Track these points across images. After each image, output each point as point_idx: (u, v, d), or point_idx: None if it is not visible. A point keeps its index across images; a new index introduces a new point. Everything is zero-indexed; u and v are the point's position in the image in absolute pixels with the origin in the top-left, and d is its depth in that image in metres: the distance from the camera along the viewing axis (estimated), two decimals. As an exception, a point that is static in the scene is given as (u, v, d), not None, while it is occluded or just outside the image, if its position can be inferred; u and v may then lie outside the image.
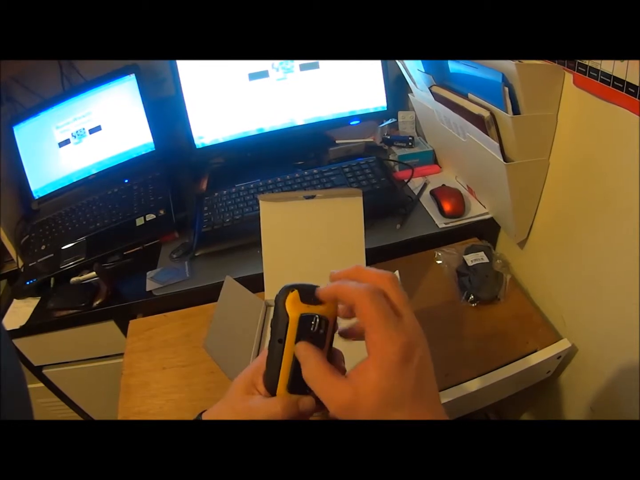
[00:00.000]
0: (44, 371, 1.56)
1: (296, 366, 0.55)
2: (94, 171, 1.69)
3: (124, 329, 1.32)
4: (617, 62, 0.76)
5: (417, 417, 0.50)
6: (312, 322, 0.55)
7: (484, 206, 1.40)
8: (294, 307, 0.55)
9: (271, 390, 0.57)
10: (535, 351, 1.08)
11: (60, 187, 1.69)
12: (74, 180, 1.69)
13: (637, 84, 0.73)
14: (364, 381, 0.50)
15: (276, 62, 1.57)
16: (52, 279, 1.41)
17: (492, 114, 1.05)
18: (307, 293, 0.56)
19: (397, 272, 1.00)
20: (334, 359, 0.58)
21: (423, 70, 1.31)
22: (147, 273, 1.36)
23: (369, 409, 0.49)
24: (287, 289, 0.56)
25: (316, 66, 1.59)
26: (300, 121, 1.65)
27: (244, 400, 0.57)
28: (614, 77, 0.78)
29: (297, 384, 0.56)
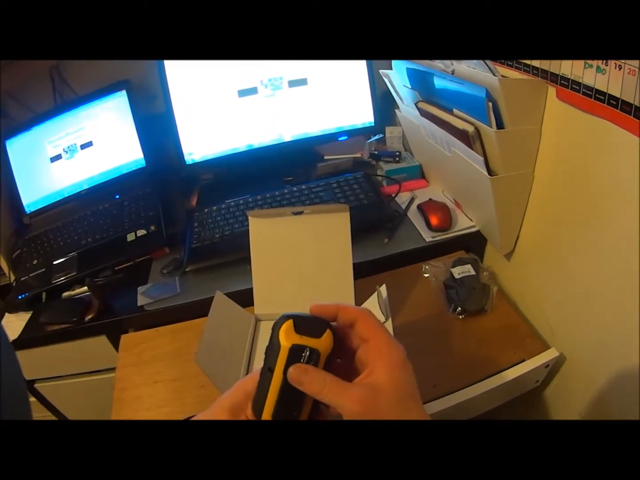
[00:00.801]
0: (36, 385, 1.56)
1: (283, 395, 0.55)
2: (86, 186, 1.69)
3: (116, 344, 1.32)
4: (599, 74, 0.77)
5: (418, 410, 0.53)
6: (303, 354, 0.55)
7: (471, 219, 1.41)
8: (286, 337, 0.55)
9: (257, 416, 0.57)
10: (524, 361, 1.09)
11: (52, 202, 1.70)
12: (66, 196, 1.70)
13: (619, 96, 0.74)
14: (377, 379, 0.52)
15: (265, 79, 1.58)
16: (43, 294, 1.41)
17: (476, 128, 1.06)
18: (303, 324, 0.56)
19: (384, 286, 1.01)
20: None
21: (409, 87, 1.33)
22: (138, 288, 1.36)
23: (390, 402, 0.51)
24: (284, 318, 0.56)
25: (304, 83, 1.60)
26: (288, 137, 1.67)
27: None
28: (596, 89, 0.79)
29: (283, 413, 0.56)
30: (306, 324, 0.56)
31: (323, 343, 0.55)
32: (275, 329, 0.56)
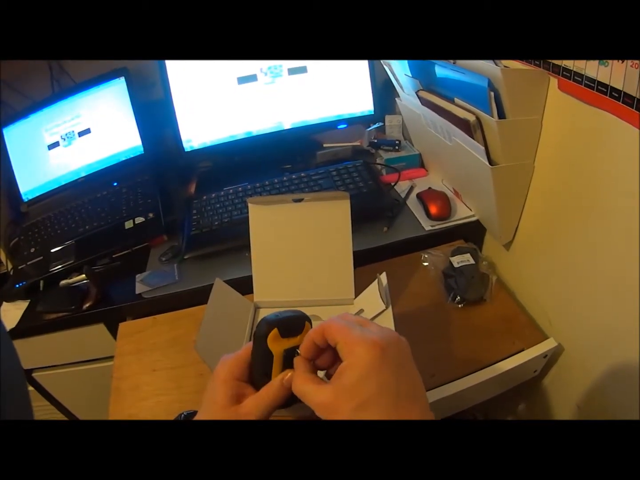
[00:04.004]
0: (34, 374, 1.56)
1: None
2: (83, 174, 1.69)
3: (114, 332, 1.32)
4: (601, 67, 0.77)
5: (399, 414, 0.51)
6: (294, 354, 0.61)
7: (470, 209, 1.41)
8: (276, 345, 0.61)
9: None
10: (522, 350, 1.09)
11: (49, 189, 1.70)
12: (63, 183, 1.69)
13: (621, 88, 0.74)
14: (341, 383, 0.52)
15: (265, 66, 1.58)
16: (41, 282, 1.40)
17: (478, 118, 1.06)
18: (285, 326, 0.61)
19: (384, 274, 1.01)
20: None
21: (410, 75, 1.32)
22: (137, 276, 1.36)
23: (346, 408, 0.51)
24: (267, 327, 0.61)
25: (304, 70, 1.60)
26: (288, 125, 1.66)
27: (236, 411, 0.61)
28: (598, 81, 0.79)
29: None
30: (287, 325, 0.62)
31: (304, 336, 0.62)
32: (261, 338, 0.61)
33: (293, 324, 0.63)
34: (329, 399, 0.53)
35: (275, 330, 0.60)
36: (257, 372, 0.63)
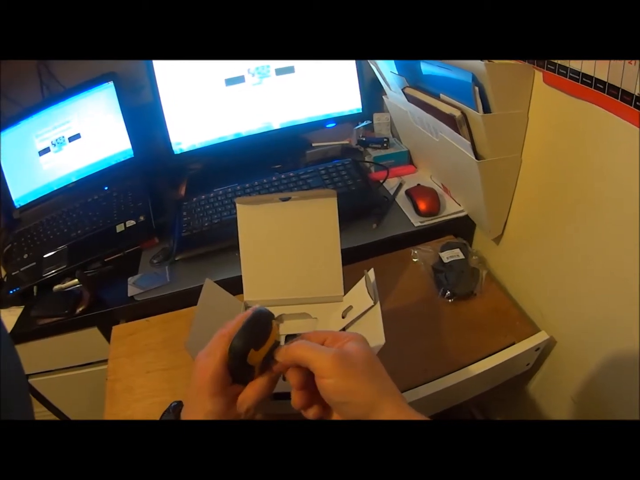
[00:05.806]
0: (29, 380, 1.55)
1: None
2: (74, 179, 1.69)
3: (107, 335, 1.32)
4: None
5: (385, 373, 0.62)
6: (271, 356, 0.67)
7: (459, 204, 1.42)
8: (254, 358, 0.64)
9: None
10: (514, 344, 1.10)
11: (41, 195, 1.70)
12: (55, 189, 1.69)
13: (606, 80, 0.75)
14: (348, 347, 0.62)
15: (252, 67, 1.58)
16: (35, 288, 1.41)
17: (463, 113, 1.06)
18: (256, 338, 0.65)
19: (372, 270, 1.01)
20: None
21: (396, 73, 1.32)
22: (129, 279, 1.36)
23: (362, 352, 0.61)
24: (244, 348, 0.64)
25: (292, 70, 1.60)
26: (276, 125, 1.67)
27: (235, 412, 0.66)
28: (583, 73, 0.79)
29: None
30: (258, 335, 0.65)
31: (274, 334, 0.67)
32: (240, 358, 0.64)
33: (262, 332, 0.66)
34: (340, 354, 0.60)
35: (252, 351, 0.63)
36: (240, 379, 0.67)
